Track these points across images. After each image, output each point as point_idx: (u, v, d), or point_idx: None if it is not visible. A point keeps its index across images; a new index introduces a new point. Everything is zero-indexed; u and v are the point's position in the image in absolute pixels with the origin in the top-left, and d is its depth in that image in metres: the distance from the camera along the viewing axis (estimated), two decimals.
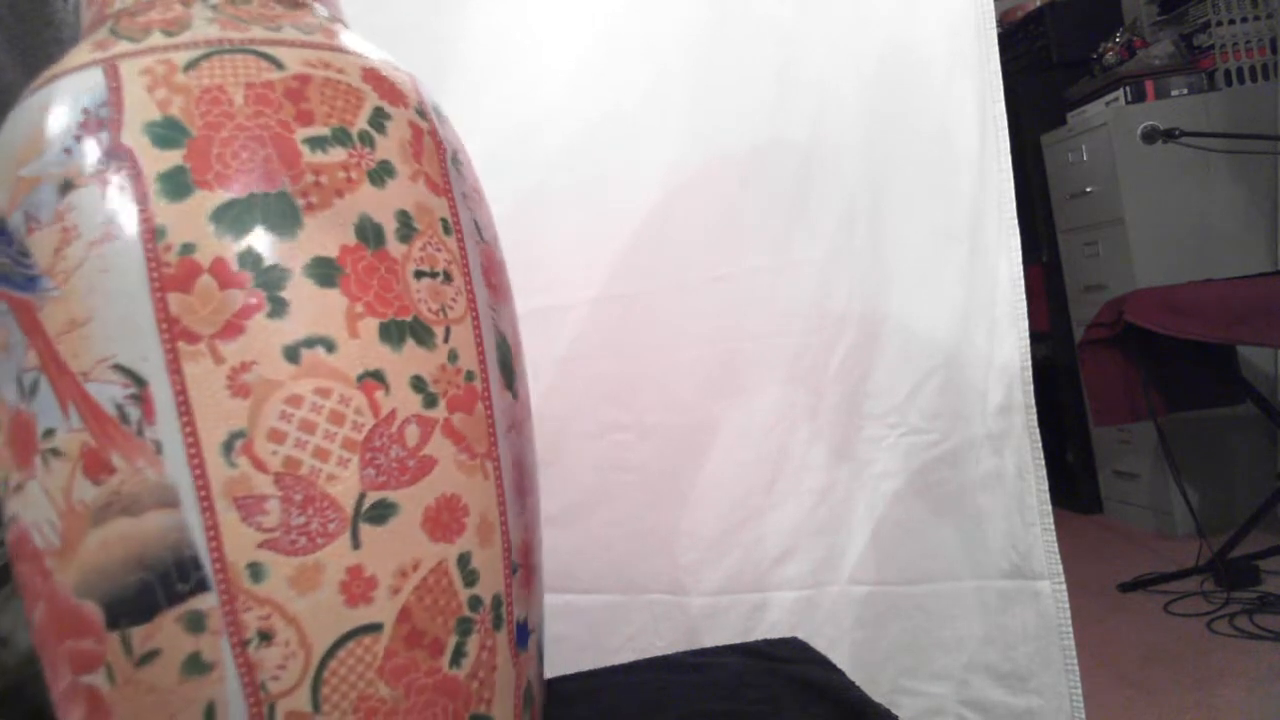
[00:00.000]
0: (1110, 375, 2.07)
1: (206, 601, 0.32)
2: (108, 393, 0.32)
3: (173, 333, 0.32)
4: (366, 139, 0.37)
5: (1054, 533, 1.00)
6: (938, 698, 1.03)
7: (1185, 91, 2.50)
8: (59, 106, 0.34)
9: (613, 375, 1.07)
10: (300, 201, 0.34)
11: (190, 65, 0.35)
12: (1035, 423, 1.01)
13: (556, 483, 1.08)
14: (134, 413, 0.32)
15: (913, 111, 1.03)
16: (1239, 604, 1.84)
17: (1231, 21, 2.53)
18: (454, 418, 0.37)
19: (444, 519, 0.35)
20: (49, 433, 0.31)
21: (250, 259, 0.33)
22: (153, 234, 0.32)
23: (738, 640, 0.77)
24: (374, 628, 0.34)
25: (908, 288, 1.04)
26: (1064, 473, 2.67)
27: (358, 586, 0.34)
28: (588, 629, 1.07)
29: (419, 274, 0.36)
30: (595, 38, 1.05)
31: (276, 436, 0.33)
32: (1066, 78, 2.78)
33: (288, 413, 0.33)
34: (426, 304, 0.36)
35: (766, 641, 0.75)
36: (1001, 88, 1.01)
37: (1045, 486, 1.00)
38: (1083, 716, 1.00)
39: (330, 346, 0.33)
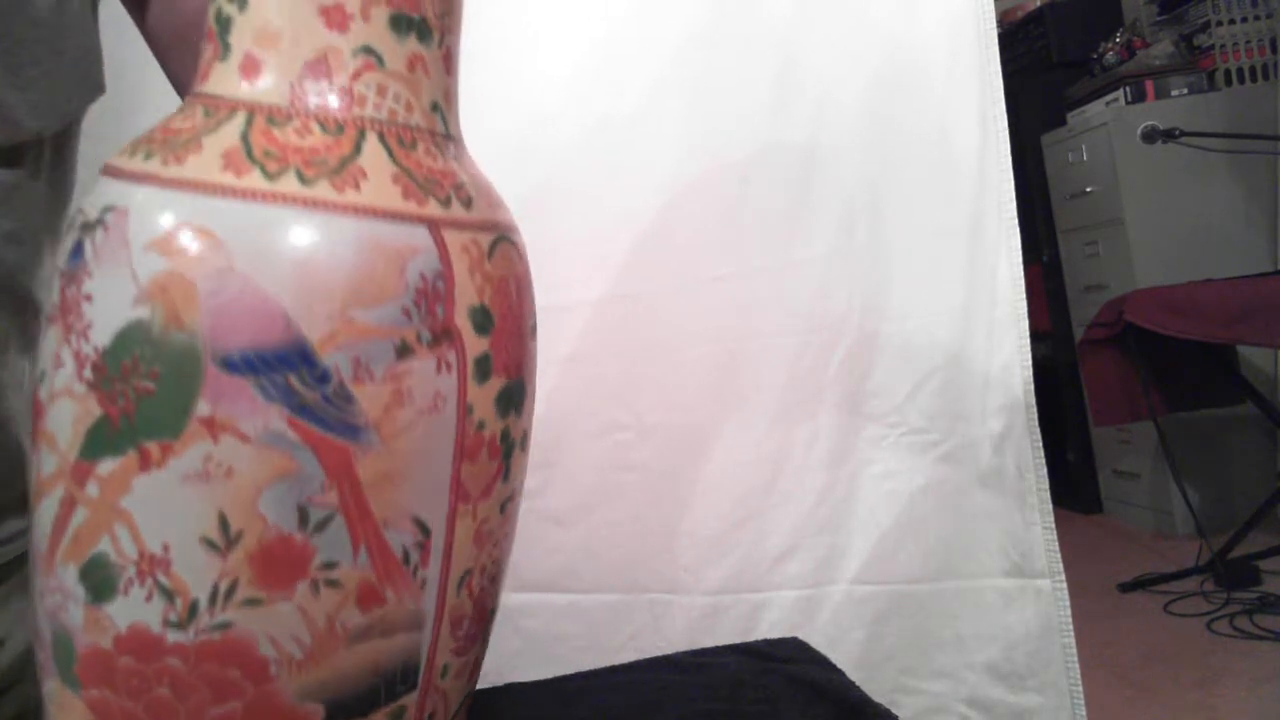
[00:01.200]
0: (1110, 375, 2.08)
1: (411, 698, 0.38)
2: (399, 539, 0.36)
3: (458, 494, 0.37)
4: None
5: (1054, 532, 1.00)
6: (938, 697, 1.03)
7: (1185, 91, 2.51)
8: (387, 255, 0.35)
9: (614, 375, 1.07)
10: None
11: (491, 252, 0.39)
12: (1035, 422, 1.01)
13: (558, 483, 1.08)
14: (414, 556, 0.36)
15: (913, 112, 1.03)
16: (1239, 604, 1.84)
17: (1231, 21, 2.54)
18: None
19: None
20: (330, 564, 0.34)
21: (505, 433, 0.40)
22: (465, 411, 0.37)
23: (738, 640, 0.78)
24: None
25: (908, 288, 1.04)
26: (1064, 473, 2.67)
27: None
28: (588, 629, 1.07)
29: None
30: (595, 41, 1.05)
31: (481, 573, 0.41)
32: (1066, 78, 2.78)
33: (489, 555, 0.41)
34: None
35: (766, 641, 0.75)
36: (1001, 88, 1.02)
37: (1045, 486, 1.00)
38: (1083, 716, 1.00)
39: None
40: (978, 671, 1.02)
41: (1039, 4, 2.90)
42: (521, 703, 0.64)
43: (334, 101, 0.37)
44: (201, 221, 0.33)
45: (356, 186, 0.35)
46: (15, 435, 0.50)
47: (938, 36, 1.02)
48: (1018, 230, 1.02)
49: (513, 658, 1.05)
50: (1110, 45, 2.65)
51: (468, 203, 0.39)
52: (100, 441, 0.33)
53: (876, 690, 0.63)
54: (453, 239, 0.37)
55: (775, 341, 1.05)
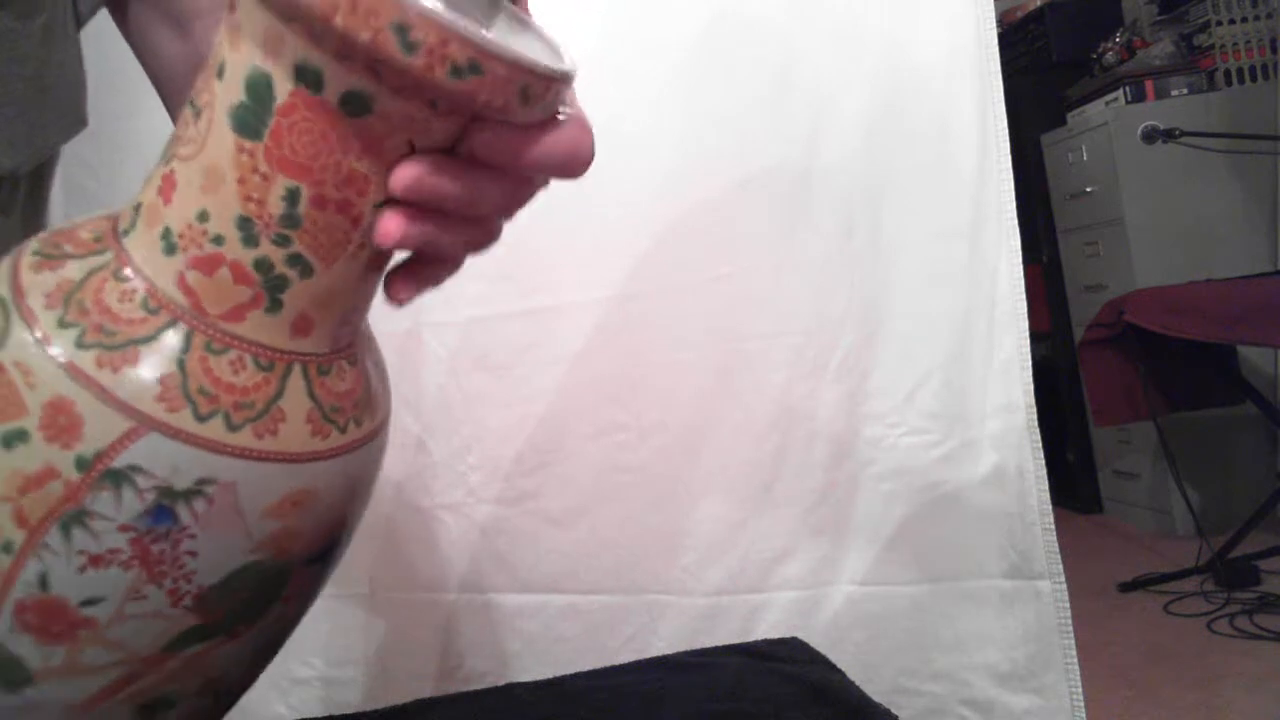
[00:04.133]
0: (1110, 375, 2.08)
1: None
2: None
3: None
4: None
5: (1054, 532, 1.00)
6: (938, 698, 1.03)
7: (1185, 91, 2.51)
8: None
9: (613, 375, 1.07)
10: None
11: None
12: (1035, 422, 1.01)
13: (557, 483, 1.08)
14: None
15: (912, 112, 1.03)
16: (1239, 604, 1.84)
17: (1231, 21, 2.53)
18: None
19: None
20: None
21: None
22: None
23: (738, 640, 0.77)
24: None
25: (908, 288, 1.04)
26: (1064, 473, 2.67)
27: None
28: (587, 630, 1.07)
29: None
30: (594, 44, 1.05)
31: None
32: (1066, 78, 2.78)
33: None
34: None
35: (766, 641, 0.75)
36: (1001, 88, 1.01)
37: (1045, 486, 1.00)
38: (1083, 716, 1.00)
39: None
40: (977, 672, 1.02)
41: (1039, 4, 2.90)
42: (521, 703, 0.64)
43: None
44: (301, 485, 0.34)
45: None
46: None
47: (938, 36, 1.01)
48: (1018, 230, 1.01)
49: (513, 658, 1.05)
50: (1110, 45, 2.65)
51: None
52: None
53: (876, 691, 0.63)
54: None
55: (775, 341, 1.05)
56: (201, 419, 0.32)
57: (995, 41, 1.01)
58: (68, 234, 0.35)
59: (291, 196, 0.30)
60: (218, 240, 0.31)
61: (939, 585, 1.03)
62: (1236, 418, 2.30)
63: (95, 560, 0.32)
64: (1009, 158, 1.01)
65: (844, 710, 0.58)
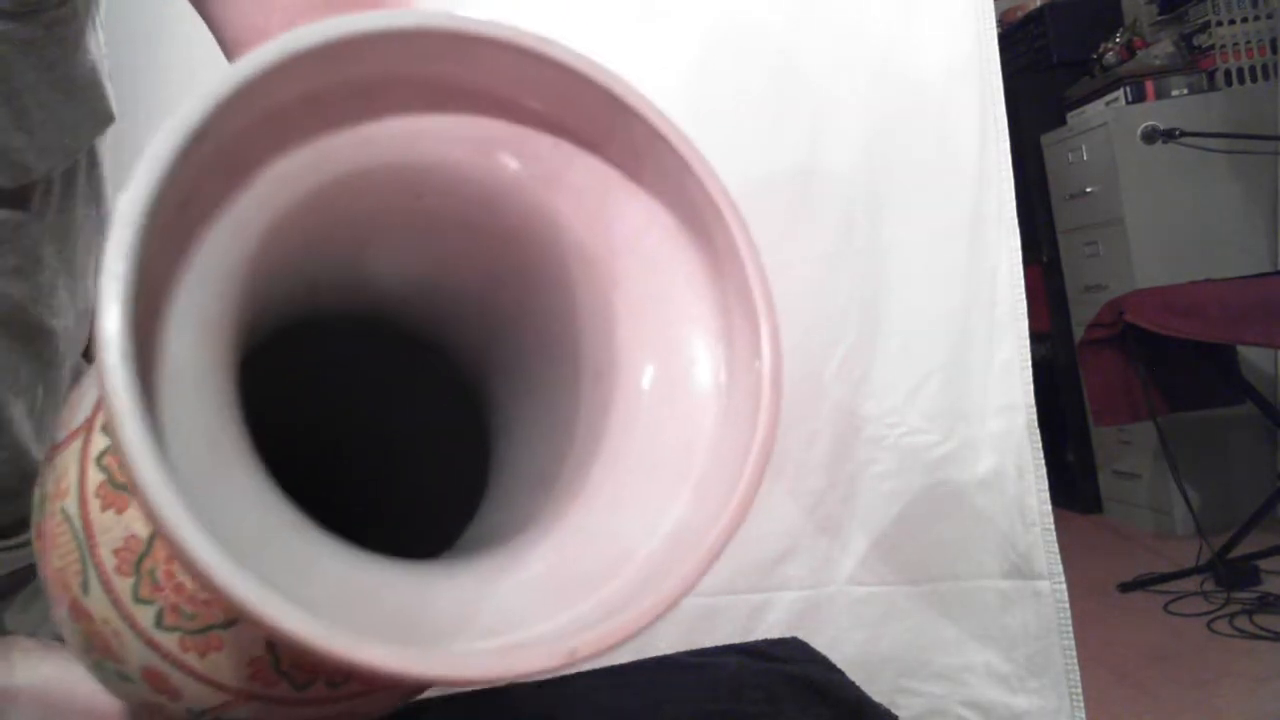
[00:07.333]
0: (1110, 375, 2.08)
1: None
2: None
3: None
4: None
5: (1054, 532, 1.00)
6: (938, 698, 1.03)
7: (1185, 91, 2.50)
8: None
9: None
10: None
11: None
12: (1035, 423, 1.01)
13: None
14: None
15: (913, 112, 1.03)
16: (1239, 604, 1.84)
17: (1231, 21, 2.53)
18: None
19: None
20: None
21: None
22: None
23: (738, 640, 0.77)
24: None
25: (908, 288, 1.04)
26: (1064, 473, 2.67)
27: None
28: None
29: None
30: (595, 46, 1.05)
31: None
32: (1066, 78, 2.78)
33: None
34: None
35: (766, 641, 0.75)
36: (1001, 88, 1.01)
37: (1045, 486, 1.00)
38: (1083, 716, 1.00)
39: None
40: (977, 673, 1.02)
41: (1039, 4, 2.90)
42: (521, 702, 0.64)
43: None
44: None
45: None
46: (27, 451, 0.49)
47: (938, 36, 1.02)
48: (1018, 230, 1.01)
49: None
50: (1110, 45, 2.65)
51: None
52: None
53: (876, 692, 0.63)
54: None
55: None
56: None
57: (995, 42, 1.01)
58: None
59: None
60: None
61: (939, 585, 1.03)
62: (1236, 418, 2.30)
63: None
64: (1009, 158, 1.01)
65: (844, 710, 0.58)
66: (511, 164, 0.32)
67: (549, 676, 0.27)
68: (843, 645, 1.02)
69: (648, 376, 0.32)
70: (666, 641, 1.06)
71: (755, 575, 1.05)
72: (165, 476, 0.20)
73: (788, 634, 0.80)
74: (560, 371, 0.35)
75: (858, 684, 0.64)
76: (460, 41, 0.27)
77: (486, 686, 0.33)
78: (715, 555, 0.29)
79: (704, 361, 0.32)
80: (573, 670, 0.70)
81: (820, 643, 0.75)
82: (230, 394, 0.26)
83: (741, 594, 1.06)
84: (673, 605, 0.27)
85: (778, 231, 1.05)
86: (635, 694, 0.64)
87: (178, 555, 0.20)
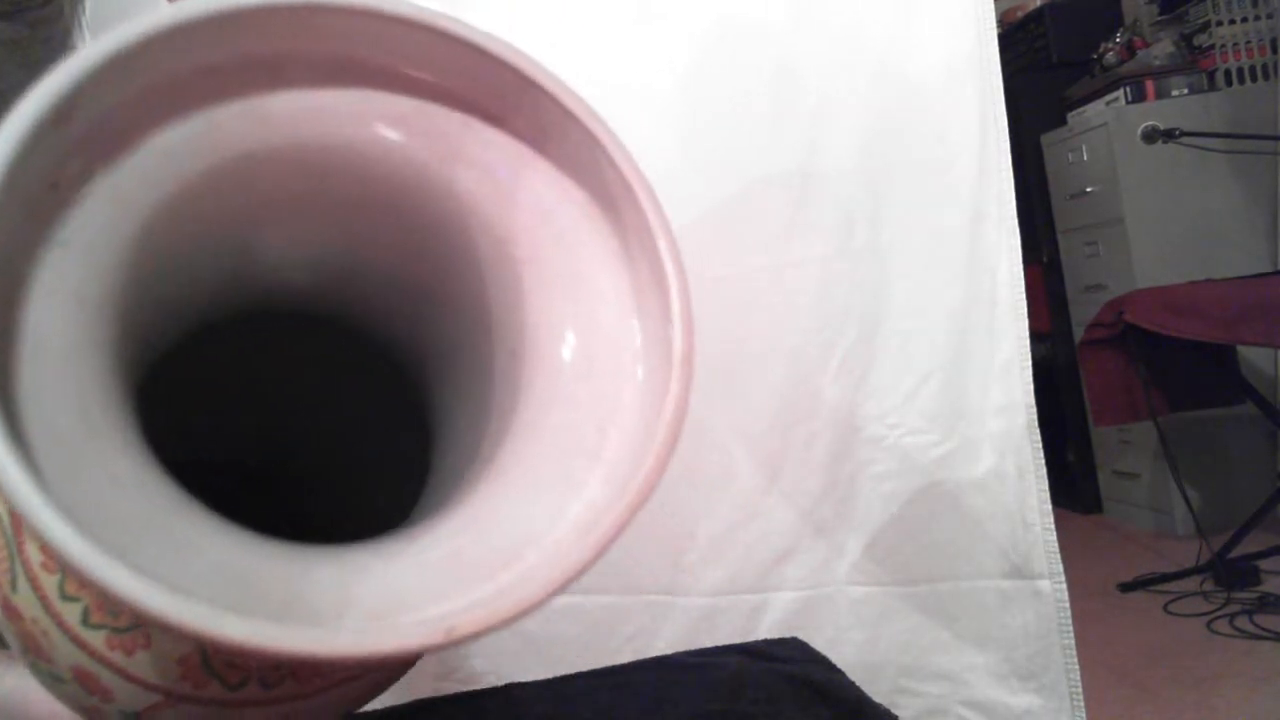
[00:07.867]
0: (1110, 375, 2.07)
1: None
2: None
3: None
4: None
5: (1054, 533, 1.00)
6: (937, 698, 1.03)
7: (1185, 91, 2.50)
8: None
9: None
10: None
11: None
12: (1035, 423, 1.01)
13: None
14: None
15: (912, 111, 1.03)
16: (1239, 604, 1.84)
17: (1231, 21, 2.53)
18: None
19: None
20: None
21: None
22: None
23: (738, 640, 0.77)
24: None
25: (907, 288, 1.04)
26: (1064, 473, 2.67)
27: None
28: (588, 629, 1.07)
29: None
30: (595, 47, 1.05)
31: None
32: (1066, 78, 2.77)
33: None
34: None
35: (766, 641, 0.75)
36: (1001, 88, 1.01)
37: (1045, 486, 1.00)
38: (1083, 716, 1.00)
39: None
40: (977, 673, 1.02)
41: (1039, 4, 2.90)
42: (521, 702, 0.64)
43: None
44: None
45: None
46: None
47: (938, 36, 1.01)
48: (1018, 230, 1.01)
49: (512, 658, 1.05)
50: (1110, 45, 2.64)
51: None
52: None
53: (876, 692, 0.63)
54: None
55: (775, 341, 1.05)
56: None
57: (995, 42, 1.01)
58: None
59: None
60: None
61: (939, 585, 1.03)
62: (1236, 418, 2.30)
63: None
64: (1009, 158, 1.01)
65: (844, 710, 0.58)
66: (415, 140, 0.31)
67: (437, 650, 0.26)
68: (842, 645, 1.02)
69: (563, 354, 0.32)
70: (666, 641, 1.07)
71: (755, 576, 1.06)
72: (8, 445, 0.19)
73: (787, 634, 0.80)
74: (479, 352, 0.34)
75: (858, 684, 0.64)
76: (361, 18, 0.27)
77: (367, 665, 0.32)
78: (611, 540, 0.29)
79: (619, 337, 0.31)
80: (573, 670, 0.70)
81: (820, 643, 0.75)
82: (115, 374, 0.25)
83: (741, 594, 1.06)
84: (560, 590, 0.27)
85: (778, 231, 1.05)
86: (635, 694, 0.64)
87: (30, 530, 0.20)
